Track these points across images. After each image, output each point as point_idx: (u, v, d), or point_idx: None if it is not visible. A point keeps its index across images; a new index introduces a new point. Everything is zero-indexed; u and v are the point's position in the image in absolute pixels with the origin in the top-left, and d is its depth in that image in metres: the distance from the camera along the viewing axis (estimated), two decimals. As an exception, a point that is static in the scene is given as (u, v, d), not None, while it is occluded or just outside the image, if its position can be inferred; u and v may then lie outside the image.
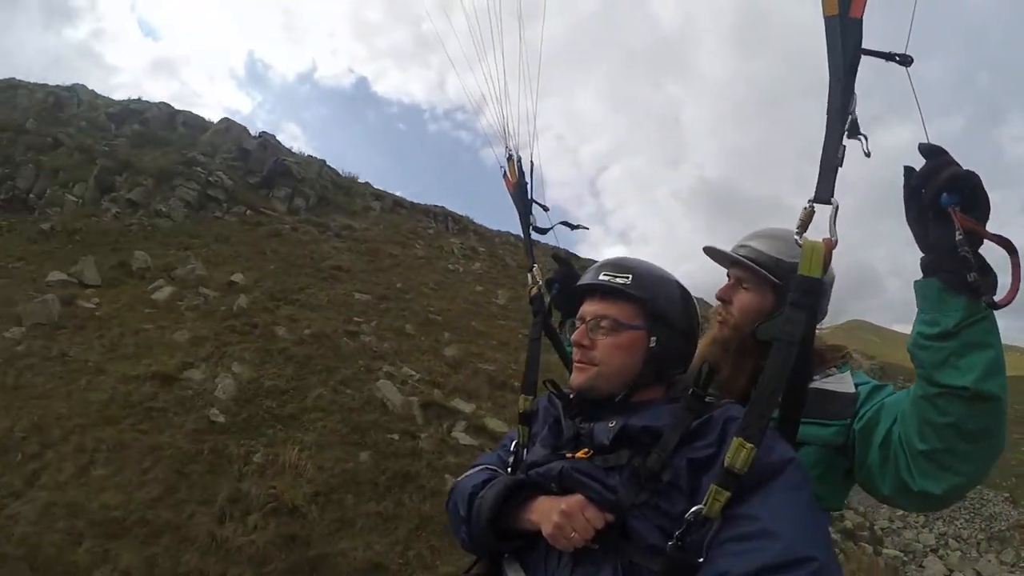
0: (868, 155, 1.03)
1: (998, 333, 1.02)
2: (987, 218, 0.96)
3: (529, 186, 1.94)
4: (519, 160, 1.96)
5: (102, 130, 17.92)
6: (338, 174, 20.38)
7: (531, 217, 1.90)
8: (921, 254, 1.04)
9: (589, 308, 1.31)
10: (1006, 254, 0.96)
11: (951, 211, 0.95)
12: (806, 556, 0.89)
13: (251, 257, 13.35)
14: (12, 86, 19.78)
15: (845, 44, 1.03)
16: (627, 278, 1.27)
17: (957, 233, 0.94)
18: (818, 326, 1.41)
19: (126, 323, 9.37)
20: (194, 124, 18.91)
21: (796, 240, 1.07)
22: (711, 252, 1.61)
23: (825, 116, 1.05)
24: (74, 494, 5.57)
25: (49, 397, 7.10)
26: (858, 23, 1.03)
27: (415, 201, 22.12)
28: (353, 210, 18.59)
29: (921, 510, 1.25)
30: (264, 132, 18.78)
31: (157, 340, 8.75)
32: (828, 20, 1.05)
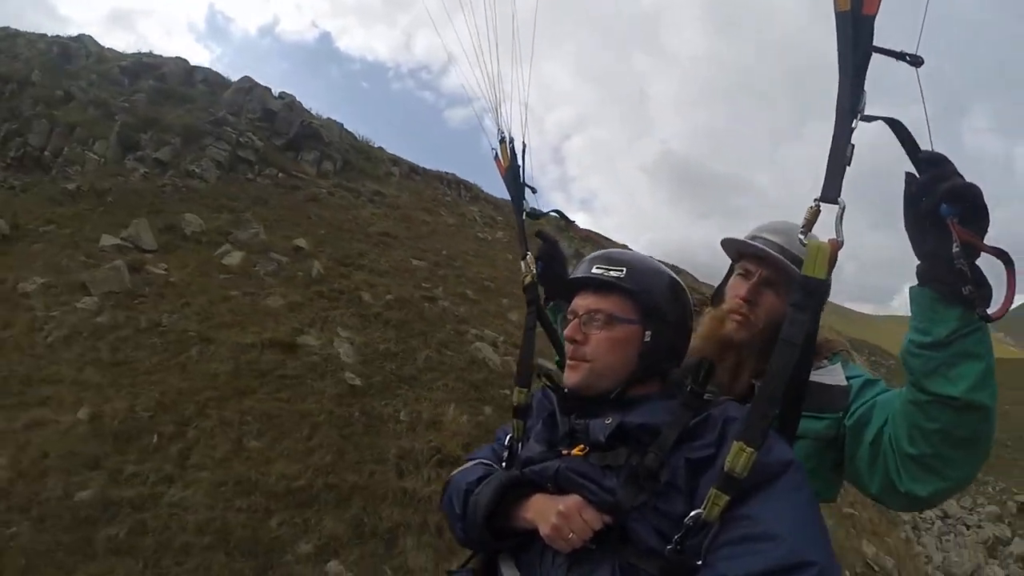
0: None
1: (990, 344, 1.03)
2: (986, 231, 0.96)
3: (522, 170, 1.88)
4: (511, 142, 1.89)
5: (115, 84, 17.08)
6: (355, 138, 20.19)
7: (524, 202, 1.85)
8: (917, 261, 1.03)
9: (582, 302, 1.28)
10: (1000, 263, 0.97)
11: (950, 223, 0.94)
12: (807, 560, 0.89)
13: (300, 222, 13.42)
14: (10, 35, 18.41)
15: (857, 41, 1.00)
16: (621, 271, 1.25)
17: (954, 245, 0.94)
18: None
19: (208, 290, 9.38)
20: (213, 81, 18.09)
21: (801, 240, 1.05)
22: (732, 244, 1.57)
23: (834, 113, 1.02)
24: (241, 469, 5.53)
25: (161, 371, 6.91)
26: (870, 20, 1.00)
27: (426, 167, 22.19)
28: (377, 175, 18.59)
29: (906, 510, 1.29)
30: (284, 92, 18.33)
31: (251, 307, 8.90)
32: (840, 16, 1.01)
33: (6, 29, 18.94)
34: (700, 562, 0.96)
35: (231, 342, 7.70)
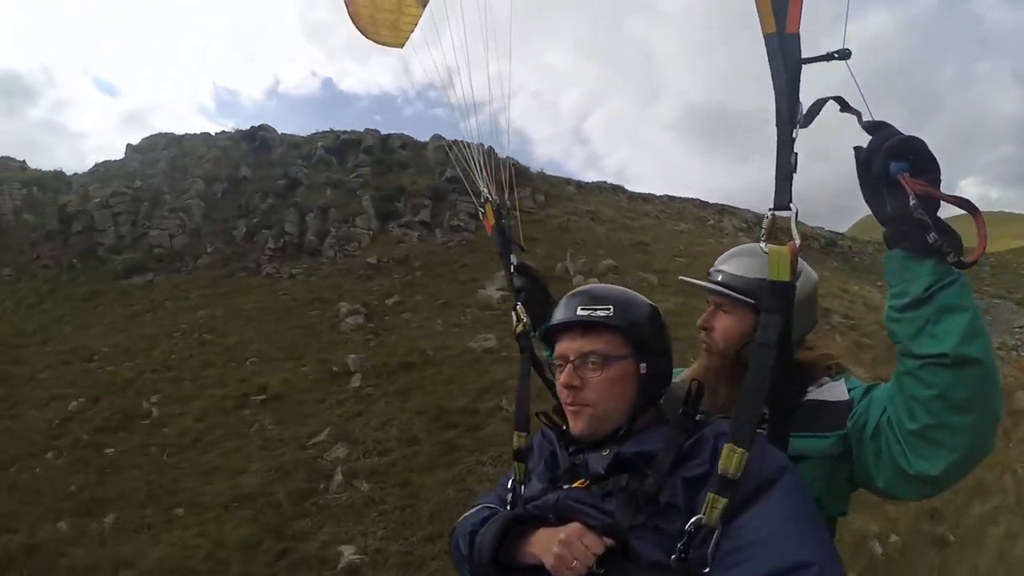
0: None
1: (972, 295, 1.02)
2: (939, 180, 0.98)
3: (507, 228, 1.98)
4: (497, 205, 2.01)
5: (326, 163, 18.09)
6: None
7: (512, 257, 1.91)
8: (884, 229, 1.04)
9: (571, 345, 1.25)
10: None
11: (901, 178, 0.97)
12: (804, 561, 0.90)
13: (570, 245, 15.56)
14: (175, 139, 18.80)
15: (786, 59, 1.05)
16: (608, 309, 1.23)
17: (910, 198, 0.96)
18: (809, 334, 1.49)
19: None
20: (409, 143, 19.40)
21: (762, 248, 1.09)
22: (686, 284, 1.66)
23: (775, 128, 1.06)
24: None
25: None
26: (795, 37, 1.05)
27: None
28: (570, 196, 20.83)
29: (920, 496, 1.23)
30: (482, 144, 19.95)
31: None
32: (767, 38, 1.07)
33: (168, 135, 19.18)
34: (707, 570, 0.98)
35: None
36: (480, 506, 1.42)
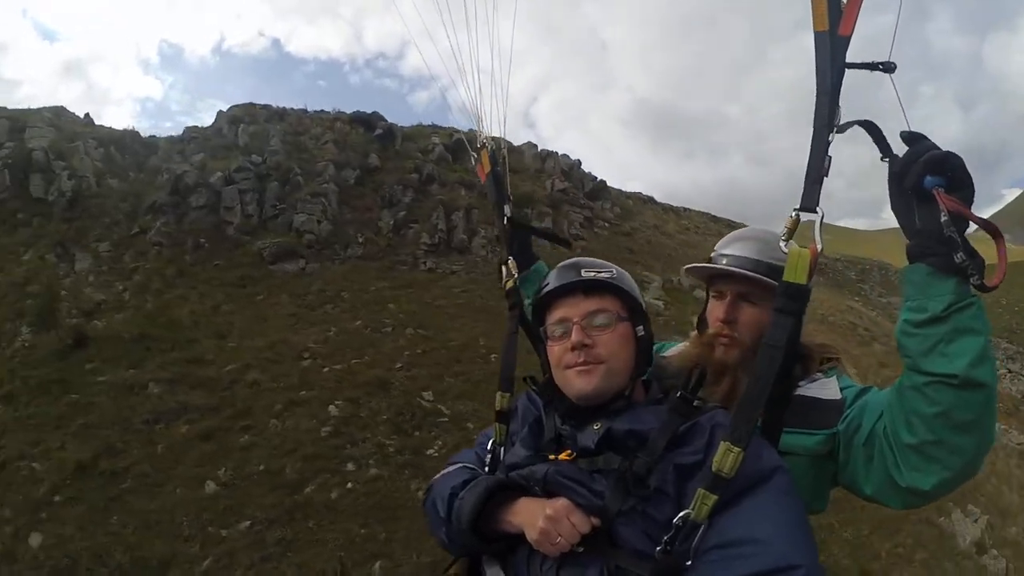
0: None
1: (987, 320, 1.02)
2: (972, 201, 0.97)
3: (505, 176, 1.92)
4: (492, 150, 1.92)
5: (444, 160, 18.34)
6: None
7: (505, 207, 1.86)
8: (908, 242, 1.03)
9: (574, 308, 1.25)
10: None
11: (935, 192, 0.95)
12: (792, 564, 0.90)
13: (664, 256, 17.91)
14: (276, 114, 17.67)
15: (835, 60, 1.03)
16: (611, 272, 1.27)
17: (942, 214, 0.95)
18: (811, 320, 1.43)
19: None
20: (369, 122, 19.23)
21: (782, 248, 1.08)
22: (698, 271, 1.57)
23: (812, 127, 1.05)
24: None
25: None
26: (846, 40, 1.04)
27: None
28: (628, 207, 22.98)
29: (907, 506, 1.17)
30: (565, 154, 21.25)
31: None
32: (818, 35, 1.05)
33: (267, 107, 17.74)
34: (689, 564, 0.98)
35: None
36: (459, 466, 1.40)
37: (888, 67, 1.03)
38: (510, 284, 1.71)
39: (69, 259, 13.92)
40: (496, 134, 1.93)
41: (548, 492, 1.14)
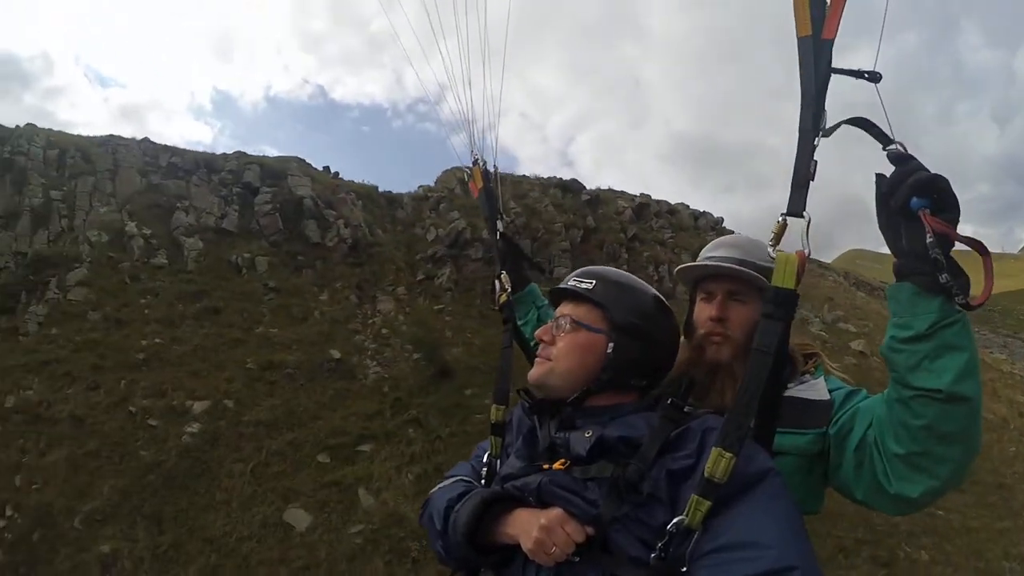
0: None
1: (972, 336, 1.04)
2: (957, 221, 0.98)
3: (497, 189, 1.99)
4: (484, 165, 2.01)
5: (631, 222, 21.28)
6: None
7: (498, 221, 1.91)
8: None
9: (561, 310, 1.35)
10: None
11: (921, 214, 0.97)
12: (787, 566, 0.90)
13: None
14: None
15: (818, 64, 1.05)
16: (591, 284, 1.31)
17: (928, 236, 0.96)
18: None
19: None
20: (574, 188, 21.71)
21: (770, 253, 1.10)
22: (687, 271, 1.60)
23: (797, 132, 1.06)
24: None
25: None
26: (829, 44, 1.05)
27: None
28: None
29: (896, 512, 1.22)
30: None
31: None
32: (801, 41, 1.07)
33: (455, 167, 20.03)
34: (684, 570, 0.99)
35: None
36: (456, 479, 1.43)
37: (874, 77, 1.05)
38: (503, 298, 1.80)
39: (370, 300, 15.34)
40: (489, 158, 2.03)
41: (542, 502, 1.14)
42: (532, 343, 1.51)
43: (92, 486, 9.76)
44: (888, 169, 1.03)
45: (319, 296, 15.33)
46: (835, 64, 1.07)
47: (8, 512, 9.14)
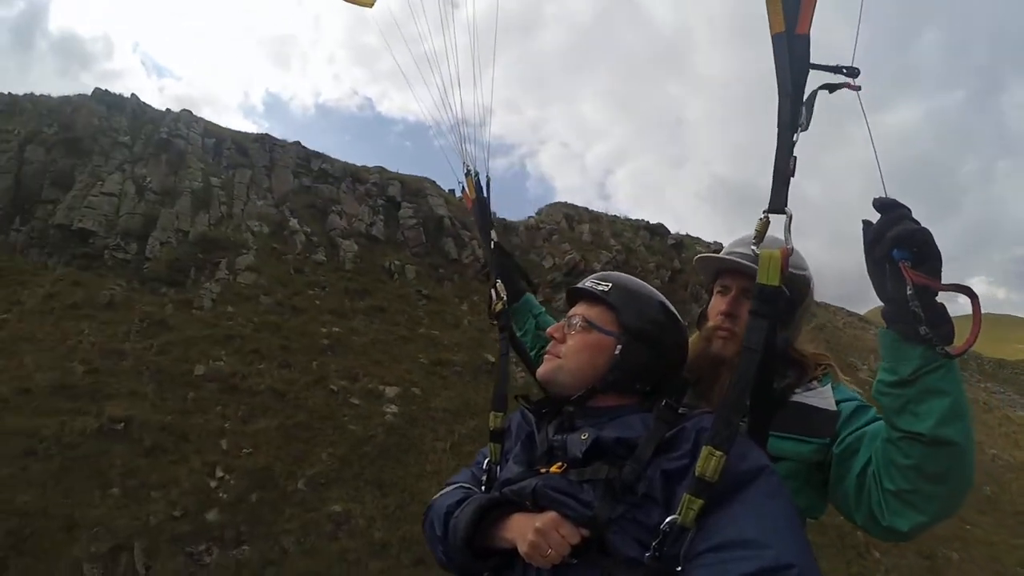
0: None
1: (957, 379, 1.06)
2: (939, 270, 1.00)
3: (488, 200, 2.02)
4: (476, 176, 2.04)
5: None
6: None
7: (491, 233, 1.94)
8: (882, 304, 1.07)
9: (575, 309, 1.37)
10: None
11: (902, 267, 0.98)
12: (784, 564, 0.90)
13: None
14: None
15: (793, 60, 1.05)
16: (607, 286, 1.33)
17: (908, 288, 0.98)
18: (804, 327, 1.53)
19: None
20: (660, 232, 23.57)
21: (753, 250, 1.10)
22: (706, 262, 1.62)
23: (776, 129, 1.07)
24: None
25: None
26: (805, 39, 1.05)
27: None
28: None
29: (887, 541, 1.25)
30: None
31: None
32: (776, 38, 1.07)
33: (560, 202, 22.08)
34: (680, 568, 0.99)
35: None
36: (455, 486, 1.45)
37: (852, 72, 1.05)
38: (499, 307, 1.83)
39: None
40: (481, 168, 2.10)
41: (538, 506, 1.15)
42: (532, 352, 1.64)
43: (310, 453, 10.84)
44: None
45: (460, 306, 17.00)
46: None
47: (219, 473, 9.87)
